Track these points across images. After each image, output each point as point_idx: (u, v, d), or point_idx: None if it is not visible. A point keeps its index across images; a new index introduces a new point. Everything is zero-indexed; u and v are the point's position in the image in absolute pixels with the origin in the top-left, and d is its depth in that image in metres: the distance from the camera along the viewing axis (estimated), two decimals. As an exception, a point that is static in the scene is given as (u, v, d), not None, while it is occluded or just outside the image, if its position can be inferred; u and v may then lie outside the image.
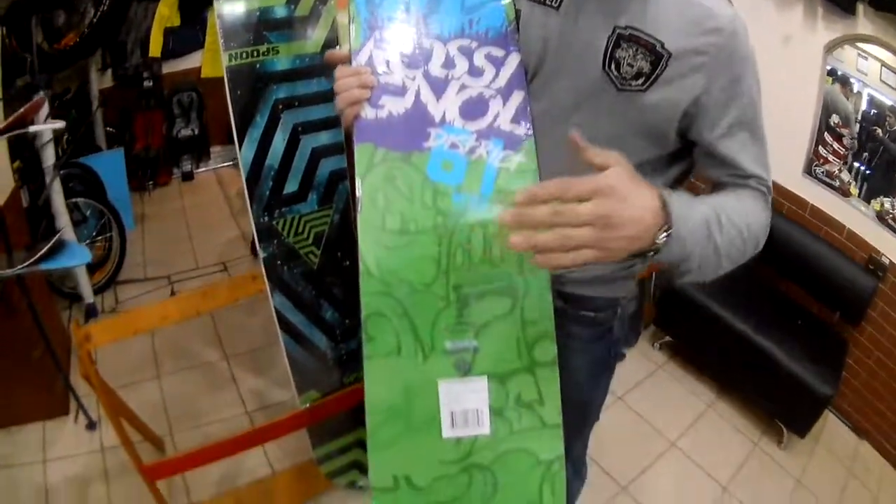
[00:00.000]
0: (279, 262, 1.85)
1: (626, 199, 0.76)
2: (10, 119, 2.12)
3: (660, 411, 2.85)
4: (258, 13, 1.84)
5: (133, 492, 2.15)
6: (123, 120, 4.01)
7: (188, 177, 4.14)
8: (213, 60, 4.40)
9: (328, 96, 1.86)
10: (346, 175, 1.90)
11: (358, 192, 1.08)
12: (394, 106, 1.10)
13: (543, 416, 1.08)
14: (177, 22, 4.24)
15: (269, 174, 1.78)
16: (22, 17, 2.83)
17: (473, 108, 1.08)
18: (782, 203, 3.01)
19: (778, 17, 2.78)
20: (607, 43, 0.98)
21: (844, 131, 2.75)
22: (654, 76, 0.96)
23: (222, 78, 4.44)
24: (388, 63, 1.10)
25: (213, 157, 4.29)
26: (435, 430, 1.07)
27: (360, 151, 1.09)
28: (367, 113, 1.10)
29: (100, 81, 3.88)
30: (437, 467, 1.08)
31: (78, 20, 3.27)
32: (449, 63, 1.10)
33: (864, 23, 2.53)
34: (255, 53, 1.79)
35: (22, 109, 2.22)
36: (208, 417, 2.56)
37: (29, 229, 2.55)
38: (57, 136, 2.78)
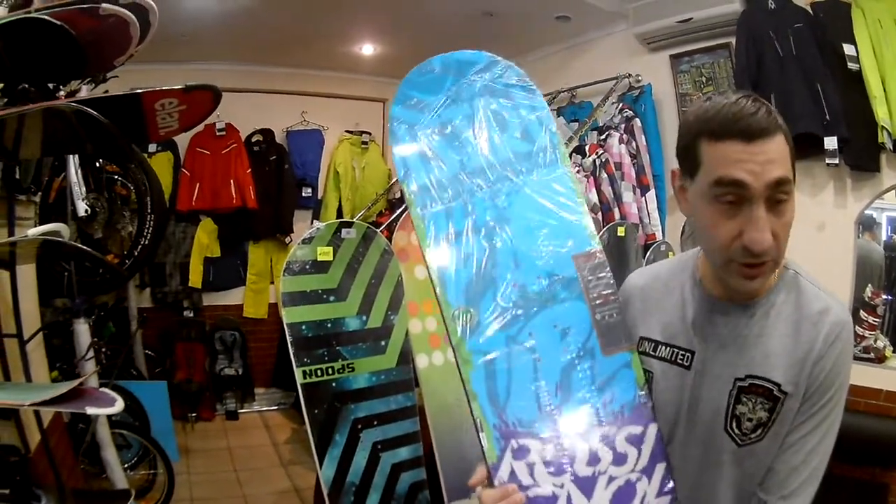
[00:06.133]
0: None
1: None
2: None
3: None
4: (329, 325, 1.94)
5: None
6: (163, 345, 4.03)
7: (233, 416, 4.12)
8: (254, 300, 4.56)
9: (406, 412, 1.93)
10: (425, 486, 1.91)
11: None
12: None
13: None
14: (217, 252, 4.44)
15: (351, 490, 1.81)
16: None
17: (622, 497, 1.05)
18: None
19: (811, 203, 2.85)
20: (728, 399, 0.99)
21: (878, 300, 2.82)
22: (770, 422, 0.97)
23: (264, 318, 4.46)
24: (532, 473, 1.04)
25: (257, 398, 4.27)
26: None
27: None
28: None
29: (138, 300, 3.94)
30: None
31: (115, 235, 3.00)
32: (593, 459, 1.06)
33: (888, 172, 2.62)
34: (331, 371, 1.85)
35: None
36: None
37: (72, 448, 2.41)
38: (95, 347, 2.55)
